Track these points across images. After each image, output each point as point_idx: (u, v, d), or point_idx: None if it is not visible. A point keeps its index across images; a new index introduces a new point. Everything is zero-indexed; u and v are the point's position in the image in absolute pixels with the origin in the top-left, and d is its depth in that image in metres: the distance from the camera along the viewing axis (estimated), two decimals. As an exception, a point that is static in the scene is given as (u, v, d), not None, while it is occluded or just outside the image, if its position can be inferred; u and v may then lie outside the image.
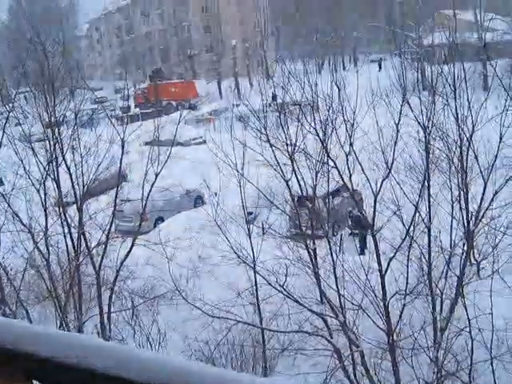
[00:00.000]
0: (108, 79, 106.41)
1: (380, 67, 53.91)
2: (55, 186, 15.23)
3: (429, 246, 12.69)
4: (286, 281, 13.04)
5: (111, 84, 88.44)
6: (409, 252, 12.38)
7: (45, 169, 15.01)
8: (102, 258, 15.27)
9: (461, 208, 13.28)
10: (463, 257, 12.79)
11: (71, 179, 15.08)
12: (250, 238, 13.95)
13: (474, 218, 13.25)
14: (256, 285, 13.91)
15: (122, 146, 15.38)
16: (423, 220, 12.78)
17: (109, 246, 15.58)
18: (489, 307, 11.58)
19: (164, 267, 15.77)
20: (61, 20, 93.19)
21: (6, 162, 15.40)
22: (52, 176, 15.13)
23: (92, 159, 15.20)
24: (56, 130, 15.11)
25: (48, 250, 14.99)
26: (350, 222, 20.58)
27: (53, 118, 15.30)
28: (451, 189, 13.29)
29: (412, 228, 12.43)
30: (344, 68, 75.39)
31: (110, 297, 15.42)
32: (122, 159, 15.71)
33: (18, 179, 15.23)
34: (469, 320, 11.74)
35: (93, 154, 15.29)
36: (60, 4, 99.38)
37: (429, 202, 12.89)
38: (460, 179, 13.22)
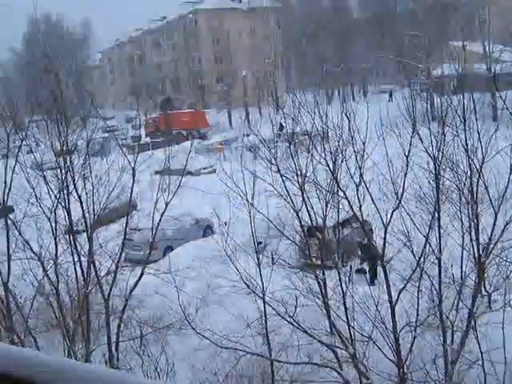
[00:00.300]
0: (119, 108, 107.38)
1: (391, 97, 54.45)
2: (66, 214, 15.30)
3: (439, 277, 12.62)
4: (295, 311, 12.97)
5: (122, 113, 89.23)
6: (419, 283, 12.31)
7: (56, 197, 15.08)
8: (111, 286, 15.25)
9: (471, 239, 13.22)
10: (474, 288, 12.69)
11: (82, 208, 15.14)
12: (259, 267, 13.92)
13: (484, 249, 13.18)
14: (265, 315, 13.82)
15: (133, 175, 15.47)
16: (433, 251, 12.73)
17: (118, 274, 15.58)
18: (501, 340, 11.47)
19: (173, 296, 15.71)
20: (74, 50, 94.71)
21: (17, 189, 15.47)
22: (63, 204, 15.19)
23: (103, 188, 15.27)
24: (68, 158, 15.23)
25: (57, 278, 14.99)
26: (359, 253, 20.46)
27: (65, 147, 15.42)
28: (462, 220, 13.26)
29: (422, 259, 12.38)
30: (353, 98, 75.84)
31: (119, 326, 15.36)
32: (132, 188, 15.79)
33: (30, 207, 15.31)
34: (481, 353, 11.62)
35: (104, 182, 15.37)
36: (74, 34, 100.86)
37: (439, 232, 12.85)
38: (470, 210, 13.19)
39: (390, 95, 58.32)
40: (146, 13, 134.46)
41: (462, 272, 13.08)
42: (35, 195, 14.97)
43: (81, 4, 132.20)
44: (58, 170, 15.38)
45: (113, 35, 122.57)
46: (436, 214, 12.78)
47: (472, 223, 13.17)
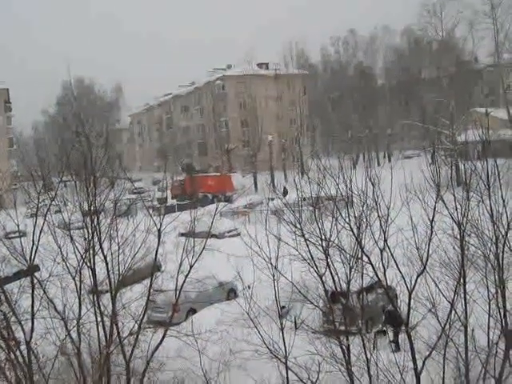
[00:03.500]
0: (147, 170, 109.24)
1: (433, 160, 54.19)
2: (91, 273, 15.40)
3: (466, 344, 12.39)
4: (318, 378, 12.77)
5: (149, 175, 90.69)
6: (445, 351, 12.10)
7: (82, 256, 15.23)
8: (133, 348, 15.16)
9: (498, 306, 13.00)
10: (502, 357, 12.42)
11: (107, 268, 15.25)
12: (282, 332, 13.79)
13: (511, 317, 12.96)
14: (287, 381, 13.63)
15: (158, 237, 15.58)
16: (459, 318, 12.55)
17: (140, 336, 15.51)
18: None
19: (195, 360, 15.59)
20: (105, 113, 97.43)
21: (44, 248, 15.64)
22: (88, 264, 15.31)
23: (128, 248, 15.39)
24: (95, 218, 15.43)
25: (79, 338, 14.98)
26: (384, 318, 20.12)
27: (92, 207, 15.64)
28: (488, 286, 13.09)
29: (448, 326, 12.19)
30: (378, 163, 76.23)
31: (140, 388, 15.19)
32: (157, 249, 15.87)
33: (56, 266, 15.44)
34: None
35: (129, 243, 15.49)
36: (105, 98, 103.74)
37: (465, 299, 12.69)
38: (497, 276, 13.03)
39: (432, 157, 57.84)
40: (176, 78, 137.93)
41: (488, 340, 12.82)
42: (61, 254, 15.14)
43: (113, 69, 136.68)
44: (85, 230, 15.57)
45: (143, 99, 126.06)
46: (461, 280, 12.65)
47: (498, 290, 12.99)
